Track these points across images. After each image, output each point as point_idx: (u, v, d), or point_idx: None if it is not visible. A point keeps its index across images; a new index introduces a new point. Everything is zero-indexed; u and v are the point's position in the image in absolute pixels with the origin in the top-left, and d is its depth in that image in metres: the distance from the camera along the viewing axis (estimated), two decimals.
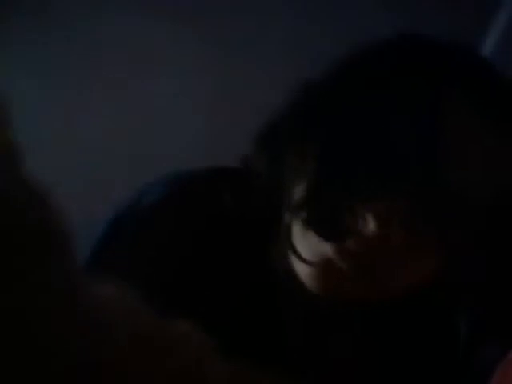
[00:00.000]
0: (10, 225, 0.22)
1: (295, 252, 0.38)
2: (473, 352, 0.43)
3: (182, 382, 0.27)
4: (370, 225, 0.36)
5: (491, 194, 0.37)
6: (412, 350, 0.43)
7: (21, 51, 1.32)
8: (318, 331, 0.41)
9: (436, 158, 0.35)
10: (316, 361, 0.41)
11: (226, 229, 0.41)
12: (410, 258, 0.38)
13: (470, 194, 0.36)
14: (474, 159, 0.37)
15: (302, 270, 0.38)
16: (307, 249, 0.38)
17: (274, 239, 0.41)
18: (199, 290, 0.39)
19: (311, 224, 0.37)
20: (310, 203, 0.37)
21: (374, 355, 0.43)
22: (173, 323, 0.30)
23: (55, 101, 1.54)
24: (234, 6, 1.23)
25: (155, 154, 1.77)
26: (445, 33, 0.41)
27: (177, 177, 0.44)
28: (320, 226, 0.37)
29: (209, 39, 1.30)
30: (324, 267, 0.37)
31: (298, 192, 0.38)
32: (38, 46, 1.31)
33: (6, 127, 0.25)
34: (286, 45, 1.32)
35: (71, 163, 1.81)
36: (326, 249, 0.37)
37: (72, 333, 0.23)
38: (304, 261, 0.37)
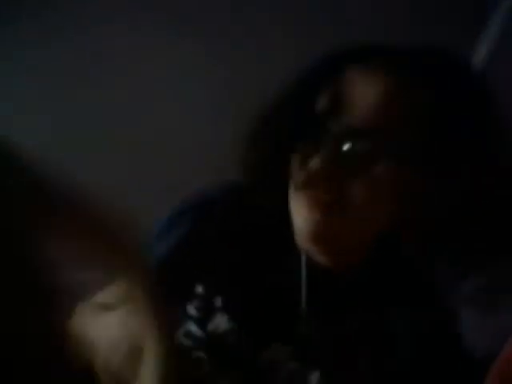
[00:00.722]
0: None
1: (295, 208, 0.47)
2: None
3: None
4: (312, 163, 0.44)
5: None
6: (393, 303, 0.49)
7: (21, 51, 1.33)
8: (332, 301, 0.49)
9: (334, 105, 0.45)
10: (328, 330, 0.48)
11: (252, 233, 0.52)
12: (376, 198, 0.45)
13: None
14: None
15: (306, 244, 0.46)
16: (302, 220, 0.46)
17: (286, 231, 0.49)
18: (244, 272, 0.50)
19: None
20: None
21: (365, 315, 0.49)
22: None
23: (54, 101, 1.54)
24: (233, 6, 1.23)
25: (154, 154, 1.78)
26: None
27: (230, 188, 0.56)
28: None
29: (209, 39, 1.31)
30: (317, 230, 0.45)
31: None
32: (38, 46, 1.31)
33: None
34: (286, 43, 1.32)
35: (71, 167, 1.81)
36: (316, 215, 0.44)
37: None
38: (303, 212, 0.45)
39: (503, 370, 0.41)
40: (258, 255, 0.49)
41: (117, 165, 1.46)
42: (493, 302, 0.44)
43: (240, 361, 0.46)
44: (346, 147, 0.43)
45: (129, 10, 1.23)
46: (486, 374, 0.42)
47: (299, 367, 0.46)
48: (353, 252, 0.48)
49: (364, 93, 0.44)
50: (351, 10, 1.23)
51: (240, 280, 0.49)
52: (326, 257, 0.47)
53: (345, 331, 0.47)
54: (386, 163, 0.43)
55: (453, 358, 0.48)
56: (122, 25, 1.26)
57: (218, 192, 0.55)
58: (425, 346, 0.48)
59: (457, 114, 0.44)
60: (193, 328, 0.47)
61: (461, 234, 0.45)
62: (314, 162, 0.43)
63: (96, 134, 1.42)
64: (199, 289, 0.49)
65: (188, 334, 0.47)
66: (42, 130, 1.38)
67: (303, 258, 0.49)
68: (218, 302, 0.48)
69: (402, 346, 0.47)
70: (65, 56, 1.34)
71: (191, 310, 0.48)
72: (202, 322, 0.47)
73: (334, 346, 0.47)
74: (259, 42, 1.32)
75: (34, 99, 1.45)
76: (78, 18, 1.24)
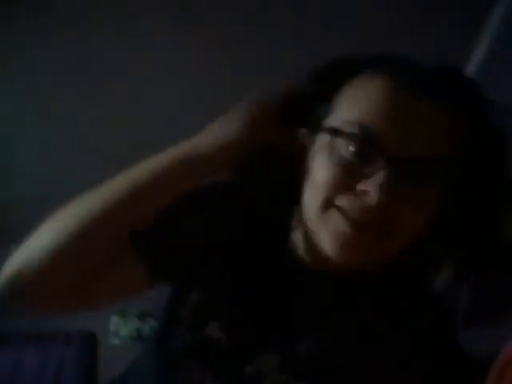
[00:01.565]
0: None
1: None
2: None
3: None
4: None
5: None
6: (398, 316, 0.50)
7: (21, 51, 1.33)
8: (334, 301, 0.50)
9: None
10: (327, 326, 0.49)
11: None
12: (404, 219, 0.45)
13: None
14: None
15: (327, 247, 0.47)
16: (328, 230, 0.47)
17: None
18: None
19: None
20: None
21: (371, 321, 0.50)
22: None
23: (54, 101, 1.54)
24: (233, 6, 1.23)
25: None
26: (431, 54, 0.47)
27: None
28: None
29: (209, 39, 1.31)
30: (350, 247, 0.46)
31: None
32: (38, 47, 1.31)
33: None
34: (286, 44, 1.32)
35: (71, 167, 1.81)
36: (354, 234, 0.45)
37: None
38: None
39: (503, 371, 0.41)
40: (253, 271, 0.50)
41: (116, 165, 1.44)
42: (495, 311, 0.45)
43: (228, 370, 0.47)
44: (403, 174, 0.43)
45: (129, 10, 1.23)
46: (486, 376, 0.42)
47: (285, 379, 0.46)
48: (371, 264, 0.48)
49: (411, 117, 0.44)
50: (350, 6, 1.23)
51: (234, 291, 0.50)
52: (346, 267, 0.48)
53: (335, 345, 0.48)
54: (432, 187, 0.45)
55: (454, 360, 0.49)
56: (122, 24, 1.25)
57: None
58: (426, 347, 0.49)
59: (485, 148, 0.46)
60: (184, 333, 0.49)
61: (472, 246, 0.47)
62: (373, 190, 0.43)
63: (95, 132, 1.38)
64: (195, 296, 0.50)
65: (179, 337, 0.48)
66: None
67: (301, 271, 0.50)
68: (213, 310, 0.49)
69: (401, 348, 0.48)
70: (64, 56, 1.34)
71: (185, 315, 0.49)
72: (194, 328, 0.48)
73: (323, 359, 0.47)
74: (259, 41, 1.32)
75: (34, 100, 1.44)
76: (77, 18, 1.23)
